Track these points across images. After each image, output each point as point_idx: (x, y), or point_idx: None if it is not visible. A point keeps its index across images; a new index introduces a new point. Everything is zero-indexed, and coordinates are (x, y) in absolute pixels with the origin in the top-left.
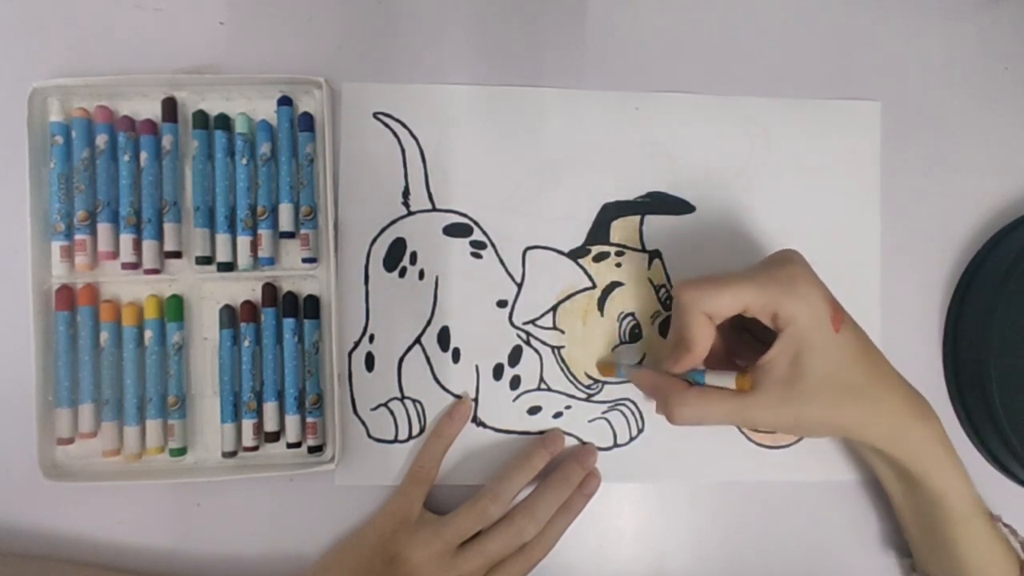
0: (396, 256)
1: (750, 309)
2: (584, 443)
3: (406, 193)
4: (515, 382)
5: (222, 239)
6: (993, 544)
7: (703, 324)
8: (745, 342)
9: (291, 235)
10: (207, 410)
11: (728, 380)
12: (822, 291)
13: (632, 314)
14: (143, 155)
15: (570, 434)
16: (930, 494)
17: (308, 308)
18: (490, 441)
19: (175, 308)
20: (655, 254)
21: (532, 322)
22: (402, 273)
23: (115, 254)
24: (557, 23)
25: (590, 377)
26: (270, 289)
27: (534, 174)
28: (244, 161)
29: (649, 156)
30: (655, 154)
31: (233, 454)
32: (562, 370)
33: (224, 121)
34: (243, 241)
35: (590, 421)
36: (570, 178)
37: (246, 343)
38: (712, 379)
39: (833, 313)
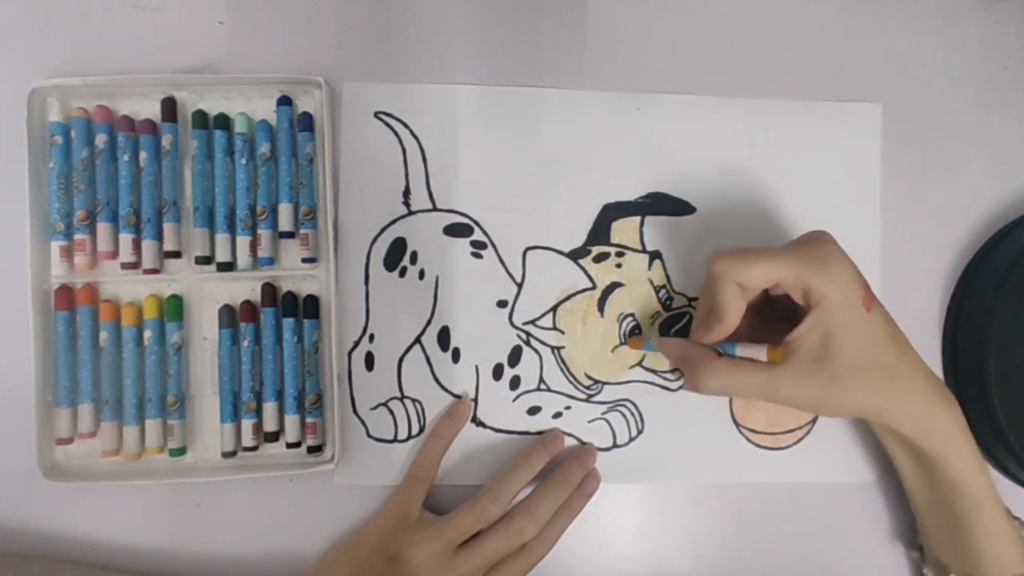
0: (396, 256)
1: (782, 283)
2: (584, 443)
3: (407, 193)
4: (515, 382)
5: (221, 239)
6: (1007, 533)
7: (735, 294)
8: (771, 323)
9: (291, 235)
10: (206, 410)
11: (759, 352)
12: (854, 271)
13: (632, 315)
14: (142, 155)
15: (570, 434)
16: (949, 481)
17: (308, 308)
18: (490, 441)
19: (174, 308)
20: (655, 255)
21: (532, 322)
22: (402, 273)
23: (114, 254)
24: (558, 23)
25: (590, 377)
26: (269, 289)
27: (535, 174)
28: (244, 161)
29: (649, 157)
30: (655, 155)
31: (232, 454)
32: (562, 370)
33: (223, 121)
34: (242, 241)
35: (589, 421)
36: (570, 178)
37: (245, 343)
38: (743, 351)
39: (864, 293)
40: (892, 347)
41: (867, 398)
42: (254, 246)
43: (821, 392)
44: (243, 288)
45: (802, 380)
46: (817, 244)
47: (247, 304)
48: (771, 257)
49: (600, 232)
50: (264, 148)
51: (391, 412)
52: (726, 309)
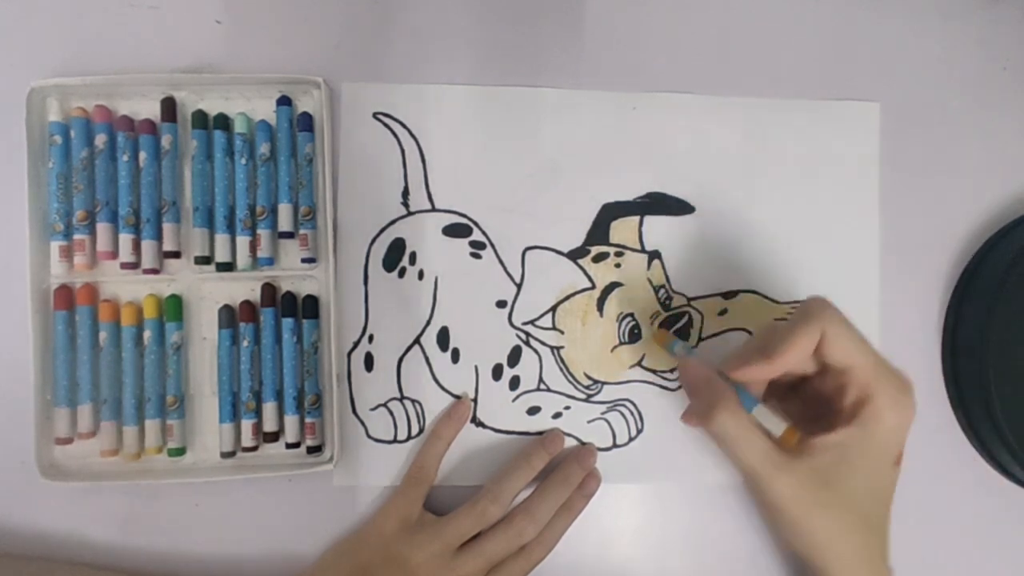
0: (395, 256)
1: (854, 372)
2: (583, 443)
3: (405, 193)
4: (514, 382)
5: (221, 239)
6: None
7: (809, 339)
8: (802, 407)
9: (290, 235)
10: (206, 410)
11: (777, 425)
12: (911, 421)
13: (631, 315)
14: (142, 155)
15: (569, 434)
16: None
17: (307, 308)
18: (489, 441)
19: (174, 308)
20: (654, 255)
21: (531, 322)
22: (401, 273)
23: (114, 254)
24: (556, 23)
25: (589, 377)
26: (269, 289)
27: (533, 174)
28: (243, 161)
29: (648, 156)
30: (654, 154)
31: (232, 454)
32: (561, 370)
33: (223, 121)
34: (242, 241)
35: (589, 422)
36: (569, 178)
37: (245, 343)
38: (761, 413)
39: (902, 448)
40: (883, 507)
41: (833, 543)
42: (254, 246)
43: (801, 509)
44: (242, 288)
45: (796, 483)
46: (901, 377)
47: (246, 304)
48: (867, 344)
49: (599, 232)
50: (264, 148)
51: (391, 413)
52: (788, 349)
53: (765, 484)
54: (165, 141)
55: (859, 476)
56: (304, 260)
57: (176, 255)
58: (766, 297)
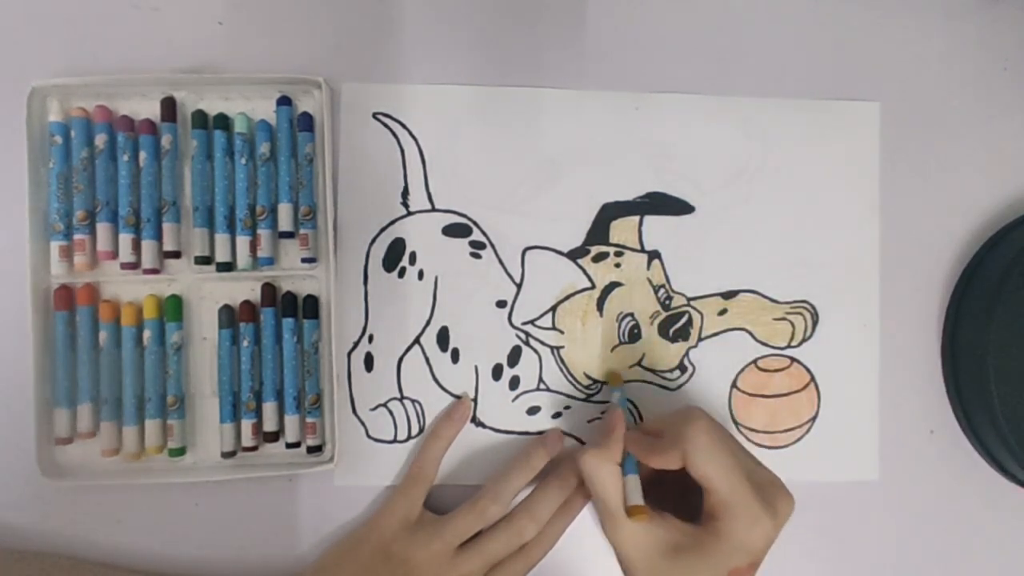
0: (395, 256)
1: (711, 492)
2: (584, 443)
3: (405, 193)
4: (514, 382)
5: (221, 239)
6: None
7: (672, 459)
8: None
9: (290, 235)
10: (206, 410)
11: (636, 496)
12: (767, 544)
13: (631, 314)
14: (142, 155)
15: (569, 434)
16: None
17: (307, 308)
18: (489, 441)
19: (174, 308)
20: (654, 254)
21: (531, 322)
22: (401, 273)
23: (114, 254)
24: (557, 23)
25: (589, 377)
26: (269, 289)
27: (533, 174)
28: (243, 161)
29: (648, 156)
30: (654, 154)
31: (232, 454)
32: (561, 370)
33: (223, 121)
34: (242, 241)
35: (589, 421)
36: (569, 178)
37: (245, 343)
38: (630, 481)
39: (746, 566)
40: None
41: None
42: (254, 246)
43: (640, 563)
44: (243, 288)
45: (634, 539)
46: (764, 505)
47: (247, 304)
48: (730, 470)
49: (599, 232)
50: (264, 148)
51: (391, 412)
52: (656, 460)
53: (608, 530)
54: (165, 141)
55: (691, 568)
56: (304, 260)
57: (176, 255)
58: (766, 297)
